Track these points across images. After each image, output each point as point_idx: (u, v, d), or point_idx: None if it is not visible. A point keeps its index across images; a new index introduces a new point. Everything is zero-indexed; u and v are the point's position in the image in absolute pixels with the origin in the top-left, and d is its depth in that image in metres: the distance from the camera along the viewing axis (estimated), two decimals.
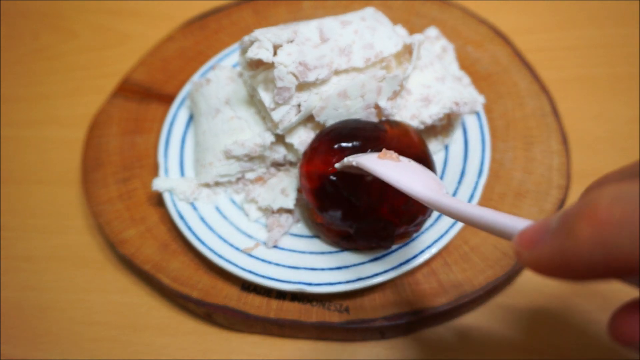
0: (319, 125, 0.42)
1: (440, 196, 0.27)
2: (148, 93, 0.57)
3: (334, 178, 0.37)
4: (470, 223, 0.25)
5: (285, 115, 0.41)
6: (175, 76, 0.58)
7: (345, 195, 0.37)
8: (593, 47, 0.59)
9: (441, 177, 0.46)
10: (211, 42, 0.61)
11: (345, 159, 0.34)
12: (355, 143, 0.38)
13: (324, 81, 0.40)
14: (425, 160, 0.39)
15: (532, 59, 0.55)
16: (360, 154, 0.34)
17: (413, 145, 0.39)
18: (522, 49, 0.56)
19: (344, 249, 0.42)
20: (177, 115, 0.51)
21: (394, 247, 0.42)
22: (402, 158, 0.33)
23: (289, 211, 0.45)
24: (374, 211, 0.37)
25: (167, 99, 0.56)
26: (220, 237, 0.44)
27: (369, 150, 0.36)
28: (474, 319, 0.42)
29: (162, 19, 0.69)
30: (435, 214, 0.43)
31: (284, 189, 0.44)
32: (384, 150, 0.33)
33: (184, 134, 0.50)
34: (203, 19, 0.63)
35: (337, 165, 0.36)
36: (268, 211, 0.45)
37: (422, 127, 0.44)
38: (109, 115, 0.55)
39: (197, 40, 0.61)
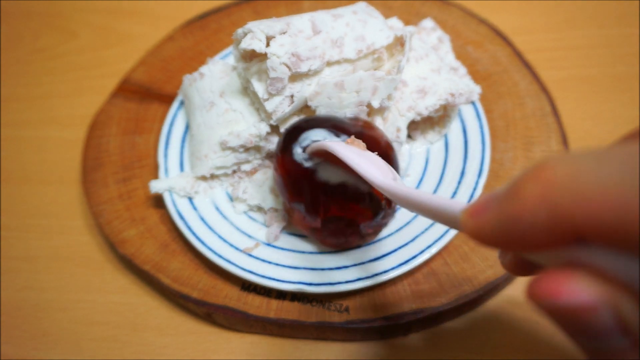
0: (312, 113, 0.43)
1: (395, 183, 0.29)
2: (148, 93, 0.57)
3: (305, 170, 0.38)
4: (421, 211, 0.25)
5: (278, 105, 0.41)
6: (175, 76, 0.58)
7: (315, 187, 0.37)
8: (593, 47, 0.59)
9: (441, 177, 0.46)
10: (211, 42, 0.61)
11: (315, 144, 0.35)
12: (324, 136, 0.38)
13: (316, 72, 0.41)
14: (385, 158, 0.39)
15: (532, 59, 0.55)
16: (330, 140, 0.36)
17: (378, 145, 0.40)
18: (522, 49, 0.55)
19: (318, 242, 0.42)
20: (177, 116, 0.51)
21: (366, 244, 0.42)
22: (367, 151, 0.34)
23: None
24: (334, 207, 0.38)
25: (167, 99, 0.56)
26: (220, 237, 0.44)
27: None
28: (474, 319, 0.42)
29: (162, 19, 0.69)
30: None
31: (273, 187, 0.45)
32: (352, 137, 0.35)
33: (184, 134, 0.50)
34: (203, 19, 0.63)
35: (307, 149, 0.37)
36: (261, 210, 0.45)
37: (418, 118, 0.45)
38: (109, 115, 0.55)
39: (197, 40, 0.61)
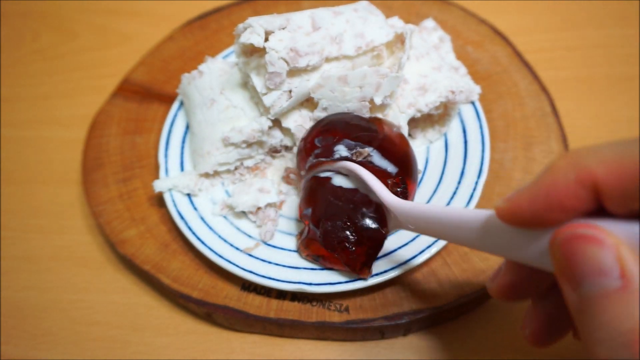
0: (314, 107, 0.43)
1: (403, 201, 0.34)
2: (148, 93, 0.57)
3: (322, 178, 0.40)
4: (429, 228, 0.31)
5: (276, 100, 0.42)
6: (175, 76, 0.58)
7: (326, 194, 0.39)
8: (593, 48, 0.59)
9: (441, 177, 0.46)
10: (211, 42, 0.61)
11: (347, 164, 0.39)
12: (351, 142, 0.40)
13: (315, 68, 0.42)
14: (406, 157, 0.41)
15: (532, 59, 0.55)
16: (348, 162, 0.39)
17: (400, 144, 0.41)
18: (522, 49, 0.56)
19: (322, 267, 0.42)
20: (178, 115, 0.51)
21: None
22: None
23: (273, 204, 0.45)
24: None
25: (167, 99, 0.56)
26: (220, 237, 0.44)
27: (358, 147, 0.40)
28: (474, 319, 0.42)
29: (162, 19, 0.69)
30: None
31: (261, 188, 0.45)
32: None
33: (184, 134, 0.50)
34: (203, 19, 0.63)
35: (330, 166, 0.40)
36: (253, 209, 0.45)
37: (418, 115, 0.45)
38: (109, 116, 0.55)
39: (197, 40, 0.61)
